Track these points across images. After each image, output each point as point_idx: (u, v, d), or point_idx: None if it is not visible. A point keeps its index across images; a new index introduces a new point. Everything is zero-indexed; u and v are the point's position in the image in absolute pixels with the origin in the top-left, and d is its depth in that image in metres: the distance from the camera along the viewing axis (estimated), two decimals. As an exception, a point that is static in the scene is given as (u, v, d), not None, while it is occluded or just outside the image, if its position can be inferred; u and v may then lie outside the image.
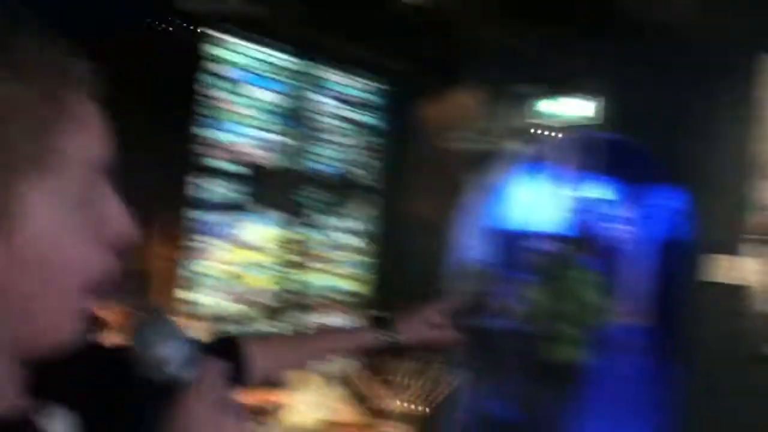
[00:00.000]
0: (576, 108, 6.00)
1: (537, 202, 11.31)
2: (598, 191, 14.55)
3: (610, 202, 14.52)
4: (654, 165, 6.28)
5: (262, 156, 5.93)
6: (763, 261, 4.84)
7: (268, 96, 5.96)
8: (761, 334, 4.83)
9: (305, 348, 1.27)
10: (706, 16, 5.12)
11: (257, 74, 5.89)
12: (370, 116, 6.88)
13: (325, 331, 2.13)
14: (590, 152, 7.05)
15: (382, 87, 6.92)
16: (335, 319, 6.45)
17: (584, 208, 13.32)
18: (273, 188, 6.02)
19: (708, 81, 5.16)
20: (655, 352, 10.83)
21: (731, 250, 5.00)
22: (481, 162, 6.51)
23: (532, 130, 6.31)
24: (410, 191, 6.68)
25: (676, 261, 7.29)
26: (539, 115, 6.19)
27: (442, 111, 6.70)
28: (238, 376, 1.02)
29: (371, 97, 6.88)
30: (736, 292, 4.94)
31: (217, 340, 1.13)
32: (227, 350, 1.06)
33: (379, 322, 1.28)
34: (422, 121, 6.70)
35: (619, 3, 5.13)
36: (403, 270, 6.55)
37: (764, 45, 4.89)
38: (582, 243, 6.67)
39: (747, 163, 4.95)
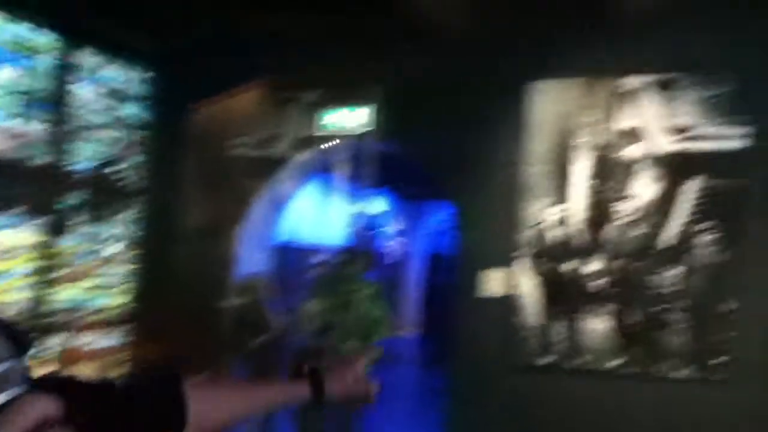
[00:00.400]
0: (356, 119, 5.90)
1: (318, 215, 11.16)
2: (377, 204, 14.95)
3: (387, 215, 14.96)
4: (428, 180, 6.42)
5: (4, 147, 4.94)
6: (533, 274, 5.10)
7: (10, 75, 5.00)
8: (532, 345, 5.08)
9: (247, 397, 1.17)
10: (480, 41, 5.38)
11: (-3, 48, 4.91)
12: (138, 109, 6.15)
13: (261, 381, 1.77)
14: (369, 165, 7.03)
15: (153, 76, 6.21)
16: (94, 338, 5.62)
17: (363, 221, 13.61)
18: (20, 186, 5.06)
19: (483, 102, 5.37)
20: (428, 363, 11.29)
21: (504, 263, 5.21)
22: (264, 171, 6.15)
23: (316, 140, 6.10)
24: (185, 196, 6.09)
25: (448, 274, 7.50)
26: (322, 124, 6.00)
27: (223, 112, 6.23)
28: (173, 417, 0.96)
29: (140, 88, 6.15)
30: (508, 305, 5.15)
31: (157, 377, 1.02)
32: (164, 388, 0.99)
33: (311, 375, 1.22)
34: (201, 121, 6.16)
35: (403, 14, 5.17)
36: (173, 282, 5.93)
37: (535, 72, 5.20)
38: (361, 256, 6.56)
39: (518, 181, 5.20)
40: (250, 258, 6.33)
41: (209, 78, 5.91)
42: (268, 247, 6.83)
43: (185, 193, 6.11)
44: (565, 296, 5.03)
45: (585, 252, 5.00)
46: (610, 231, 4.95)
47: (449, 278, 6.12)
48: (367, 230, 13.36)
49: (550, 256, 5.08)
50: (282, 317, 6.25)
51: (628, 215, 4.91)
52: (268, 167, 6.13)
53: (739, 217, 4.64)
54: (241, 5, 5.48)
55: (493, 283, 5.25)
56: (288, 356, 5.90)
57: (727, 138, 4.73)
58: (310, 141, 6.05)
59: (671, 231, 4.81)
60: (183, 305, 5.73)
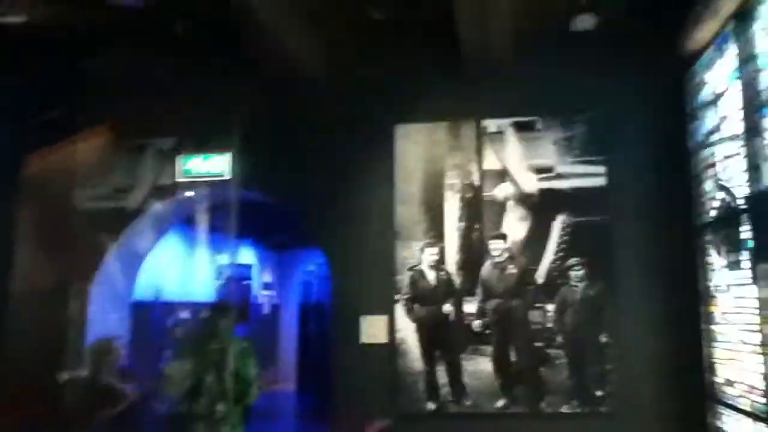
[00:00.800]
0: (215, 166, 5.55)
1: (180, 269, 10.49)
2: (243, 255, 14.36)
3: (255, 266, 14.41)
4: (297, 228, 6.18)
5: None
6: (412, 318, 4.96)
7: None
8: (416, 391, 4.91)
9: None
10: (346, 88, 5.33)
11: None
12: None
13: None
14: (232, 213, 6.69)
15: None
16: None
17: (229, 273, 12.96)
18: None
19: (351, 147, 5.26)
20: (308, 416, 10.80)
21: (381, 309, 5.04)
22: (118, 223, 5.62)
23: (173, 189, 5.66)
24: (22, 254, 5.40)
25: (322, 324, 7.20)
26: (180, 172, 5.60)
27: (65, 162, 5.64)
28: None
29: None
30: (388, 352, 4.97)
31: None
32: None
33: None
34: (39, 173, 5.53)
35: (260, 59, 4.99)
36: (12, 350, 5.19)
37: (401, 116, 5.19)
38: (229, 310, 6.12)
39: (391, 225, 5.10)
40: (104, 318, 5.70)
41: (46, 125, 5.34)
42: (125, 306, 6.21)
43: (22, 252, 5.42)
44: (446, 339, 4.93)
45: (462, 293, 4.95)
46: (485, 270, 4.95)
47: (324, 328, 5.84)
48: (234, 283, 12.76)
49: (428, 298, 4.98)
50: (143, 382, 5.65)
51: (501, 254, 4.93)
52: (122, 219, 5.60)
53: (604, 251, 4.80)
54: (81, 44, 5.04)
55: (371, 329, 5.05)
56: (152, 425, 5.30)
57: (586, 176, 4.92)
58: (167, 190, 5.61)
59: (543, 267, 4.89)
60: (25, 375, 5.00)
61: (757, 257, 3.47)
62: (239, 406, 4.80)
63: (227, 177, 5.42)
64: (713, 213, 4.26)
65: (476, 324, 4.90)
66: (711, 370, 4.32)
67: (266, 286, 16.22)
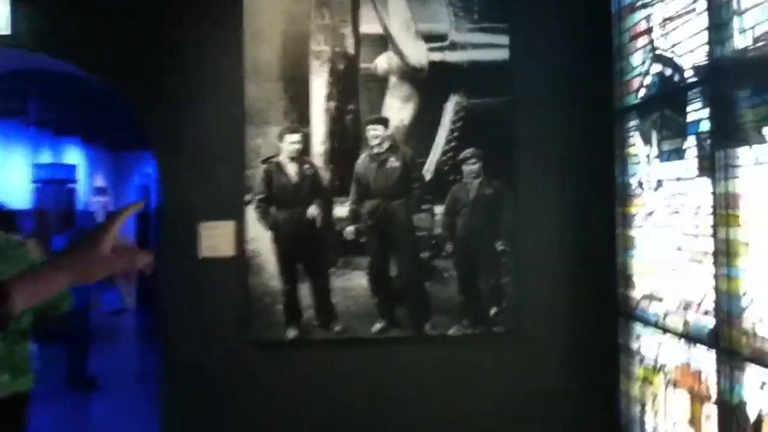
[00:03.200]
0: None
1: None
2: (66, 154, 12.27)
3: (79, 167, 12.38)
4: (134, 124, 4.78)
5: None
6: (268, 225, 3.88)
7: None
8: (274, 315, 3.89)
9: None
10: None
11: None
12: None
13: None
14: (29, 90, 5.06)
15: None
16: None
17: (50, 174, 10.98)
18: None
19: (185, 8, 3.91)
20: (146, 338, 9.61)
21: (229, 214, 3.90)
22: None
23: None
24: None
25: (160, 231, 5.96)
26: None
27: None
28: None
29: None
30: (238, 267, 3.88)
31: None
32: None
33: None
34: None
35: None
36: None
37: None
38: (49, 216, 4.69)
39: (241, 107, 3.89)
40: None
41: None
42: None
43: None
44: (310, 250, 3.91)
45: (332, 191, 3.92)
46: (361, 164, 3.92)
47: (161, 236, 4.63)
48: (53, 186, 10.82)
49: (288, 199, 3.89)
50: None
51: (381, 143, 3.92)
52: None
53: (504, 142, 3.94)
54: None
55: (214, 240, 3.91)
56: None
57: (486, 47, 3.96)
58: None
59: (432, 160, 3.95)
60: None
61: (716, 143, 2.71)
62: (49, 315, 3.49)
63: (3, 32, 3.85)
64: (642, 93, 3.48)
65: (349, 231, 3.92)
66: (626, 283, 3.68)
67: (98, 191, 14.27)
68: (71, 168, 11.84)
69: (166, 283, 3.96)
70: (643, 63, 3.45)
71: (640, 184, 3.52)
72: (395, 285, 3.93)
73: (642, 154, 3.48)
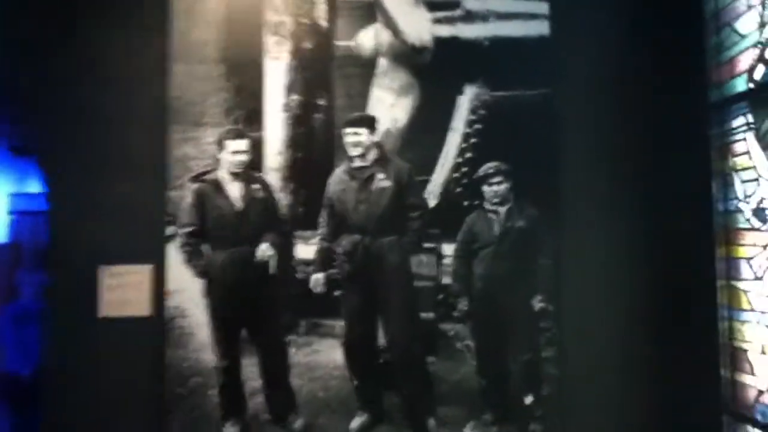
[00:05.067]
0: None
1: None
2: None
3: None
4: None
5: None
6: (198, 269, 2.66)
7: None
8: (201, 404, 2.63)
9: None
10: None
11: None
12: None
13: None
14: None
15: None
16: None
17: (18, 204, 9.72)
18: None
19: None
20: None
21: (141, 255, 2.68)
22: None
23: None
24: None
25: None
26: None
27: None
28: None
29: None
30: (154, 331, 2.64)
31: None
32: None
33: None
34: None
35: None
36: None
37: None
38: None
39: (162, 99, 2.71)
40: None
41: None
42: None
43: None
44: (261, 308, 2.67)
45: (292, 223, 2.71)
46: (336, 182, 2.72)
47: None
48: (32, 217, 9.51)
49: (230, 232, 2.68)
50: None
51: (364, 153, 2.71)
52: None
53: (543, 151, 2.73)
54: None
55: (120, 292, 2.68)
56: None
57: (516, 17, 2.79)
58: None
59: (439, 179, 2.73)
60: None
61: None
62: None
63: None
64: (759, 74, 2.28)
65: (316, 280, 2.69)
66: (734, 365, 2.40)
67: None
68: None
69: (48, 358, 2.70)
70: (762, 28, 2.26)
71: (756, 213, 2.29)
72: (384, 361, 2.67)
73: (759, 166, 2.26)
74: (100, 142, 2.69)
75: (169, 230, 2.68)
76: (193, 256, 2.67)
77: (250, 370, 2.67)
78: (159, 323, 2.66)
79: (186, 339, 2.67)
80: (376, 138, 2.72)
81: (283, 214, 2.71)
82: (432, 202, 2.72)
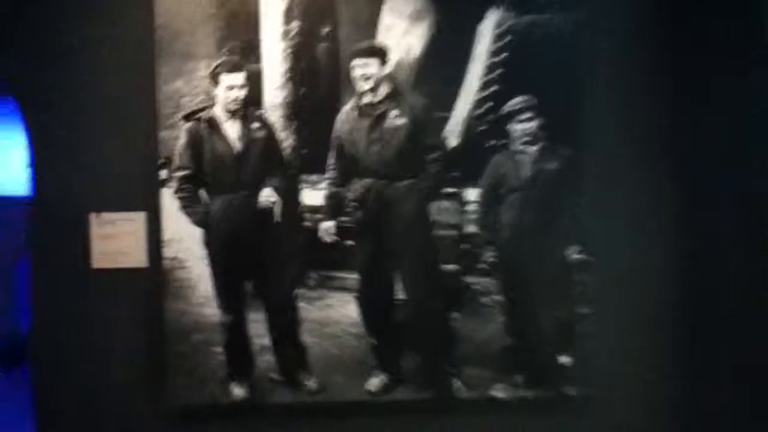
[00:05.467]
0: None
1: None
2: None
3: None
4: None
5: None
6: (196, 218, 2.43)
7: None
8: (203, 363, 2.44)
9: None
10: None
11: None
12: None
13: None
14: None
15: None
16: None
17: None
18: None
19: None
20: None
21: (133, 202, 2.45)
22: None
23: None
24: None
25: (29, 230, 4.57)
26: None
27: None
28: None
29: None
30: (150, 283, 2.44)
31: None
32: None
33: None
34: None
35: None
36: None
37: None
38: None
39: (148, 28, 2.42)
40: None
41: None
42: None
43: None
44: (265, 259, 2.45)
45: (297, 166, 2.45)
46: (344, 120, 2.44)
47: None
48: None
49: (228, 178, 2.43)
50: None
51: (375, 88, 2.41)
52: None
53: (575, 84, 2.41)
54: None
55: (112, 241, 2.47)
56: None
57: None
58: None
59: (459, 116, 2.44)
60: None
61: None
62: None
63: None
64: None
65: (326, 228, 2.44)
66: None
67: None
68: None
69: (37, 314, 2.51)
70: None
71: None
72: (402, 317, 2.45)
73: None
74: (81, 79, 2.43)
75: (162, 174, 2.43)
76: (189, 203, 2.44)
77: (258, 327, 2.47)
78: (156, 274, 2.45)
79: (186, 292, 2.46)
80: (387, 70, 2.42)
81: (285, 156, 2.45)
82: (452, 142, 2.43)
